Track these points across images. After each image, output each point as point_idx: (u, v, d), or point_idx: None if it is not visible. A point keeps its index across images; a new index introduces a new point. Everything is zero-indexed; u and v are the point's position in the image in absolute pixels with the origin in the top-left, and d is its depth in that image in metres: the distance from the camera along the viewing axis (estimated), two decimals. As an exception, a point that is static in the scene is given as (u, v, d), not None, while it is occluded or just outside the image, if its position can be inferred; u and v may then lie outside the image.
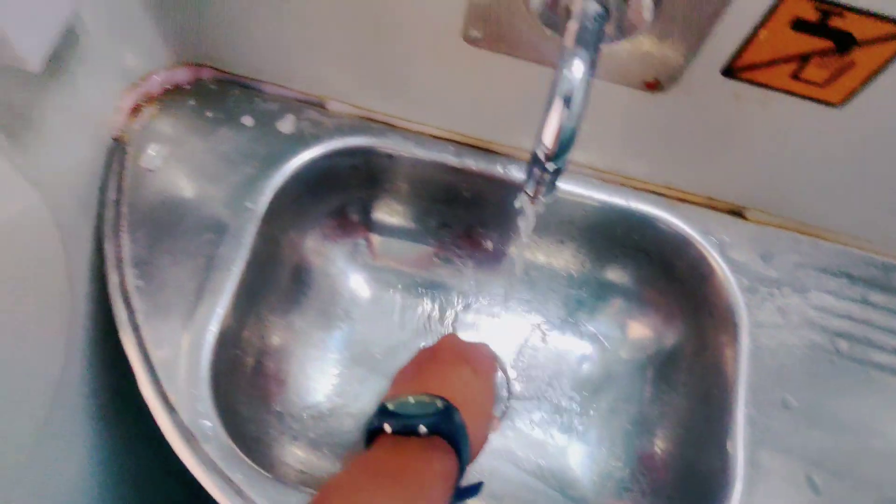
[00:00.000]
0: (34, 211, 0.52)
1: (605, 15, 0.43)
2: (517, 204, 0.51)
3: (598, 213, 0.66)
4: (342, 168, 0.67)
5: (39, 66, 0.42)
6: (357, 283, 0.74)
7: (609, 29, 0.45)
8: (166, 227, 0.59)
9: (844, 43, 0.43)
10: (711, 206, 0.64)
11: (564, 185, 0.64)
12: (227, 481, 0.49)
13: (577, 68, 0.40)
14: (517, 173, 0.64)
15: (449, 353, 0.55)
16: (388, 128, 0.66)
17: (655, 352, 0.69)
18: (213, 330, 0.55)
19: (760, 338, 0.59)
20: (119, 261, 0.57)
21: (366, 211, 0.72)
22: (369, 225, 0.73)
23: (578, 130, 0.41)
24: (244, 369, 0.62)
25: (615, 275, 0.71)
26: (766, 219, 0.64)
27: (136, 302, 0.56)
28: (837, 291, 0.61)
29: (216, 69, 0.67)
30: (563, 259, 0.72)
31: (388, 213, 0.73)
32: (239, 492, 0.49)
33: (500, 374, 0.71)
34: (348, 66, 0.61)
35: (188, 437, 0.50)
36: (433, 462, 0.44)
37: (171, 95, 0.66)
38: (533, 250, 0.73)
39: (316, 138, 0.65)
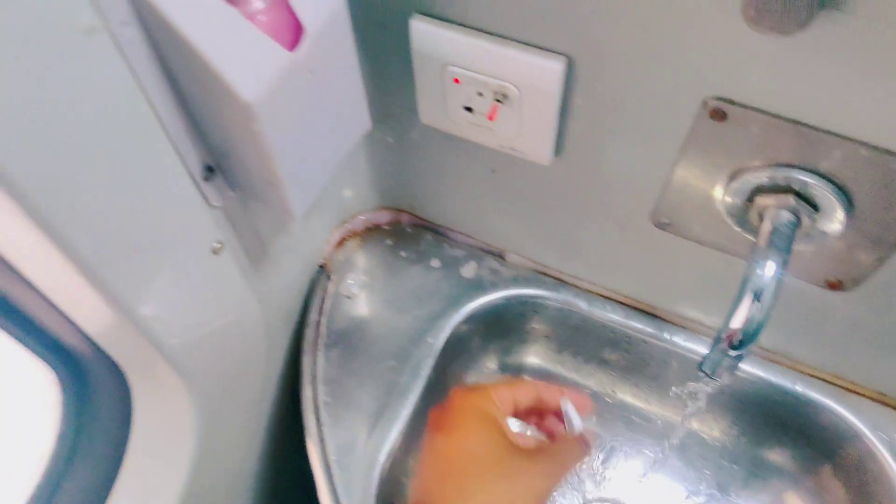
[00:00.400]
0: (252, 321, 0.61)
1: (797, 222, 0.46)
2: (690, 386, 0.55)
3: (760, 391, 0.67)
4: (513, 314, 0.73)
5: (300, 217, 0.51)
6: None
7: (800, 234, 0.48)
8: (356, 350, 0.66)
9: None
10: (883, 401, 0.64)
11: (748, 366, 0.65)
12: None
13: (768, 268, 0.44)
14: (682, 342, 0.67)
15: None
16: (560, 283, 0.71)
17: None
18: (385, 451, 0.60)
19: (934, 549, 0.56)
20: (313, 377, 0.65)
21: (528, 354, 0.77)
22: (529, 368, 0.78)
23: (764, 326, 0.44)
24: (405, 494, 0.66)
25: (772, 454, 0.71)
26: (943, 422, 0.62)
27: (324, 416, 0.62)
28: None
29: (413, 215, 0.76)
30: (717, 429, 0.73)
31: (549, 360, 0.77)
32: None
33: None
34: (531, 226, 0.67)
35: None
36: None
37: (372, 234, 0.75)
38: (696, 424, 0.74)
39: (493, 285, 0.71)
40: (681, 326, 0.67)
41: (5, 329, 0.47)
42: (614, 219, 0.59)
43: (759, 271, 0.44)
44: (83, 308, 0.45)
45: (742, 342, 0.45)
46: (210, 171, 0.46)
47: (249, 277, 0.59)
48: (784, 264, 0.44)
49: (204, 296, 0.50)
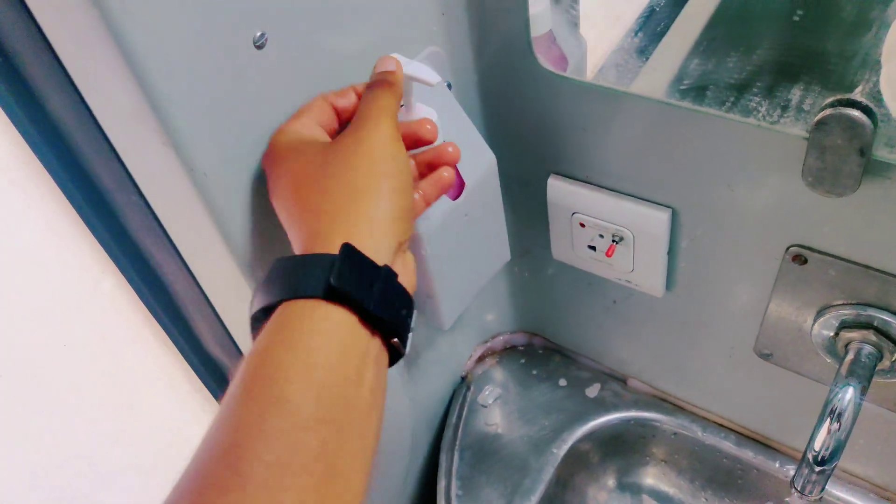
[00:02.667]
0: (402, 418, 0.73)
1: (879, 356, 0.53)
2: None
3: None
4: (633, 436, 0.80)
5: (448, 326, 0.63)
6: None
7: (884, 366, 0.54)
8: (488, 453, 0.76)
9: None
10: None
11: (840, 492, 0.68)
12: None
13: (848, 394, 0.50)
14: (793, 471, 0.71)
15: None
16: (677, 409, 0.78)
17: None
18: (508, 544, 0.68)
19: None
20: (448, 471, 0.75)
21: (646, 475, 0.82)
22: (645, 488, 0.83)
23: (845, 444, 0.50)
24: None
25: None
26: None
27: (456, 506, 0.72)
28: None
29: (545, 339, 0.87)
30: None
31: (666, 483, 0.82)
32: None
33: None
34: (649, 353, 0.76)
35: None
36: None
37: (508, 352, 0.87)
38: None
39: (615, 406, 0.79)
40: (791, 456, 0.71)
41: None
42: (722, 349, 0.67)
43: (839, 395, 0.51)
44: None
45: (826, 459, 0.51)
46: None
47: (404, 380, 0.71)
48: (863, 391, 0.51)
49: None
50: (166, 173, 0.41)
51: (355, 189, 0.36)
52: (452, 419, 0.80)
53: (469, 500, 0.73)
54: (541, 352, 0.86)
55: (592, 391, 0.81)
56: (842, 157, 0.42)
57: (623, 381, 0.81)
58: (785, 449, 0.72)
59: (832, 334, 0.56)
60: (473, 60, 0.57)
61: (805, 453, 0.52)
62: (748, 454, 0.73)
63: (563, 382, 0.82)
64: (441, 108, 0.48)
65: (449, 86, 0.57)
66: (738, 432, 0.75)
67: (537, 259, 0.74)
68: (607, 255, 0.63)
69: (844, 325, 0.54)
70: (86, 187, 0.46)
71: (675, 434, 0.78)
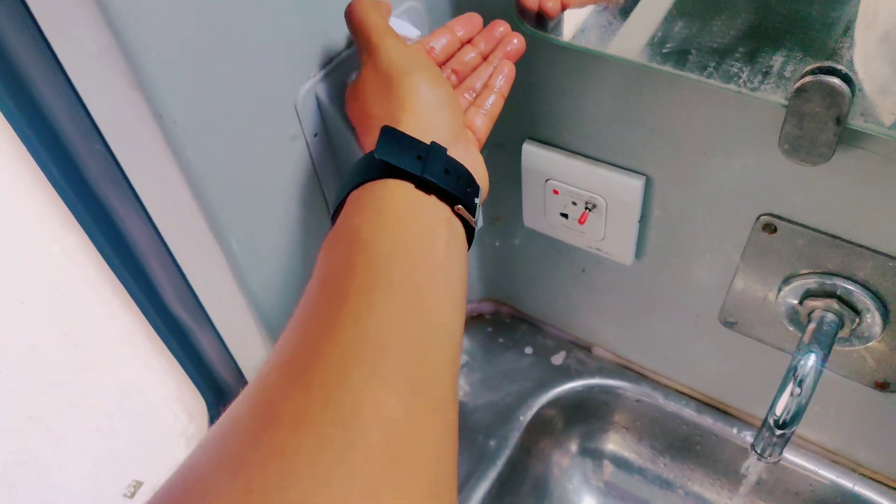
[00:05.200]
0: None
1: (840, 324, 0.54)
2: (745, 465, 0.61)
3: (822, 491, 0.71)
4: (596, 403, 0.81)
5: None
6: (587, 501, 0.84)
7: (845, 334, 0.56)
8: (454, 418, 0.76)
9: None
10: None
11: (794, 457, 0.70)
12: None
13: (810, 360, 0.52)
14: (751, 438, 0.73)
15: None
16: (641, 377, 0.79)
17: None
18: (472, 509, 0.69)
19: None
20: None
21: (605, 441, 0.84)
22: (607, 454, 0.84)
23: (805, 409, 0.51)
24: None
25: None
26: None
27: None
28: None
29: (512, 307, 0.87)
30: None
31: (628, 449, 0.83)
32: None
33: None
34: (615, 322, 0.76)
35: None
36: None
37: (475, 321, 0.87)
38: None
39: (579, 373, 0.80)
40: (749, 423, 0.73)
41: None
42: (687, 317, 0.68)
43: (801, 362, 0.52)
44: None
45: (786, 423, 0.52)
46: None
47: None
48: (824, 359, 0.52)
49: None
50: (133, 120, 0.39)
51: (388, 91, 0.40)
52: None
53: (434, 464, 0.73)
54: (508, 320, 0.87)
55: (558, 359, 0.82)
56: (819, 125, 0.43)
57: (588, 349, 0.82)
58: (743, 416, 0.74)
59: (796, 303, 0.57)
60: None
61: (767, 417, 0.53)
62: (708, 421, 0.75)
63: (529, 350, 0.83)
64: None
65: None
66: (698, 400, 0.76)
67: (508, 227, 0.74)
68: (580, 222, 0.63)
69: (809, 294, 0.56)
70: (45, 134, 0.44)
71: (637, 401, 0.79)
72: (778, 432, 0.53)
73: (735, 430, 0.73)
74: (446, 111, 0.41)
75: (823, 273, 0.54)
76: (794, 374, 0.52)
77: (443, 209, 0.37)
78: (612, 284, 0.71)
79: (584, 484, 0.84)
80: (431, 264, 0.34)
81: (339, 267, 0.33)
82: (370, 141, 0.39)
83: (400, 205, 0.36)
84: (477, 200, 0.40)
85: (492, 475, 0.71)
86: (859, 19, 0.44)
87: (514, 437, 0.74)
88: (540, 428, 0.78)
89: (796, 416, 0.52)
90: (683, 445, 0.79)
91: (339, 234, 0.35)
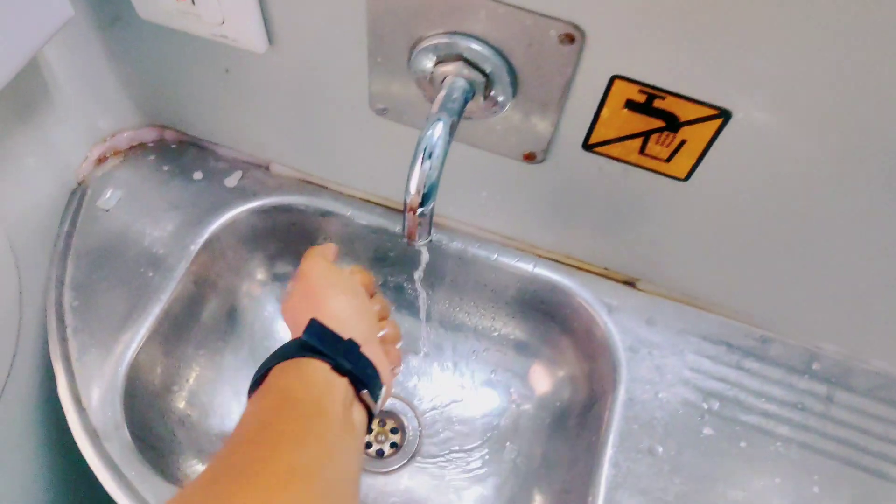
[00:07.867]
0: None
1: (471, 90, 0.51)
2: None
3: (507, 278, 0.72)
4: (280, 223, 0.75)
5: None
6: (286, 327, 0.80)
7: (480, 104, 0.53)
8: (109, 258, 0.67)
9: (672, 122, 0.51)
10: (607, 276, 0.71)
11: (477, 249, 0.71)
12: (123, 478, 0.54)
13: (438, 129, 0.48)
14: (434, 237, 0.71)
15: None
16: (323, 189, 0.74)
17: (556, 406, 0.74)
18: (132, 348, 0.62)
19: (636, 391, 0.64)
20: (60, 282, 0.64)
21: (294, 262, 0.79)
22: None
23: (438, 183, 0.48)
24: (161, 391, 0.67)
25: (523, 334, 0.77)
26: (656, 290, 0.70)
27: (69, 318, 0.62)
28: (715, 357, 0.67)
29: (178, 131, 0.76)
30: (480, 319, 0.78)
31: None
32: (132, 489, 0.54)
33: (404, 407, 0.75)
34: (286, 133, 0.69)
35: (93, 435, 0.56)
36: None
37: (136, 151, 0.75)
38: (454, 310, 0.79)
39: (255, 194, 0.73)
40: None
41: None
42: (341, 110, 0.62)
43: (429, 132, 0.48)
44: None
45: (423, 201, 0.49)
46: None
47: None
48: (453, 127, 0.49)
49: None
50: None
51: (315, 299, 0.50)
52: (65, 227, 0.68)
53: (88, 308, 0.64)
54: (174, 146, 0.76)
55: (232, 181, 0.74)
56: None
57: (265, 167, 0.75)
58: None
59: (429, 74, 0.53)
60: None
61: (405, 199, 0.50)
62: (392, 225, 0.72)
63: (198, 175, 0.74)
64: None
65: None
66: (385, 206, 0.73)
67: (128, 25, 0.62)
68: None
69: (439, 61, 0.52)
70: None
71: (321, 215, 0.74)
72: (419, 210, 0.50)
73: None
74: (364, 321, 0.51)
75: (444, 34, 0.50)
76: (423, 147, 0.48)
77: (351, 391, 0.46)
78: (261, 83, 0.63)
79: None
80: (341, 427, 0.43)
81: (271, 413, 0.42)
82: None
83: (320, 377, 0.45)
84: (380, 392, 0.48)
85: (157, 310, 0.64)
86: None
87: (181, 269, 0.67)
88: (214, 256, 0.71)
89: (431, 191, 0.49)
90: (378, 254, 0.77)
91: (268, 392, 0.44)
